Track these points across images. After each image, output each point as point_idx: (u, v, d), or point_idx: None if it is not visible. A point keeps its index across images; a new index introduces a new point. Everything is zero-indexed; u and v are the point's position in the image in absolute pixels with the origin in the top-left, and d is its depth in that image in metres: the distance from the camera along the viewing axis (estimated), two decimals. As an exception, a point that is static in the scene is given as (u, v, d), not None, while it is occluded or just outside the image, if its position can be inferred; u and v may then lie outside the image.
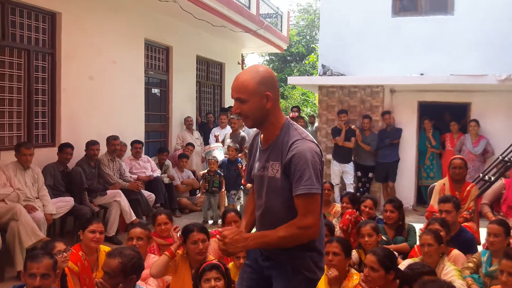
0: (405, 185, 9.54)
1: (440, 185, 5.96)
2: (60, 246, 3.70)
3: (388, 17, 9.89)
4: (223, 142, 9.55)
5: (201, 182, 8.35)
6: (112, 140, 7.48)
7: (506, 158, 7.68)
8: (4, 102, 6.41)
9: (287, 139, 2.43)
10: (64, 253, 3.69)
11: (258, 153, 2.61)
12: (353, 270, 3.91)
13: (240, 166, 8.31)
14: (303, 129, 2.52)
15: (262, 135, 2.59)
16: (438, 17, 9.61)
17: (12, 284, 4.69)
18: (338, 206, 6.57)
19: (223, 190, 8.17)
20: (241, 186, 8.38)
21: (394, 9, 9.93)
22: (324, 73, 9.96)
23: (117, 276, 2.94)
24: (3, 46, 6.33)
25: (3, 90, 6.38)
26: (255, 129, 2.63)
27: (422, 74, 9.19)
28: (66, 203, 6.31)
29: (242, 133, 9.27)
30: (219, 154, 8.97)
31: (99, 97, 7.89)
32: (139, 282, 3.30)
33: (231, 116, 9.42)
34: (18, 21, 6.56)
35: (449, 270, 3.85)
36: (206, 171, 8.28)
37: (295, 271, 2.48)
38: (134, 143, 8.20)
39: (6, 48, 6.39)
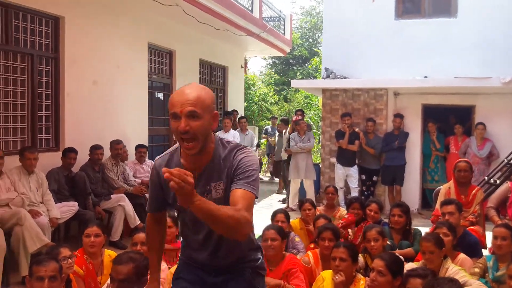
0: (410, 188, 9.50)
1: (446, 189, 5.94)
2: (65, 252, 3.69)
3: (391, 20, 9.86)
4: None
5: None
6: (115, 145, 7.46)
7: (511, 161, 7.65)
8: (8, 106, 6.41)
9: (226, 152, 2.32)
10: (69, 259, 3.68)
11: None
12: (359, 275, 3.88)
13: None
14: (232, 140, 2.47)
15: (184, 160, 2.34)
16: (442, 20, 9.58)
17: (16, 289, 4.70)
18: (342, 210, 6.55)
19: None
20: None
21: (397, 12, 9.91)
22: (328, 76, 9.95)
23: (132, 281, 2.94)
24: (6, 50, 6.34)
25: (7, 95, 6.39)
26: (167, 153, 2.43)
27: (425, 77, 9.16)
28: (70, 207, 6.30)
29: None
30: None
31: (103, 102, 7.89)
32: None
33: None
34: (22, 25, 6.57)
35: (455, 271, 3.79)
36: None
37: (254, 273, 2.48)
38: (139, 147, 8.18)
39: (9, 52, 6.40)
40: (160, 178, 2.39)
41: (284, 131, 10.90)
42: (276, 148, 11.60)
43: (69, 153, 6.68)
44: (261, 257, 2.56)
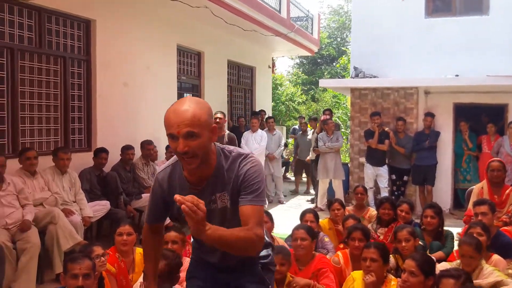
0: (442, 188, 9.34)
1: (478, 189, 5.84)
2: (98, 250, 3.76)
3: (421, 18, 9.73)
4: None
5: None
6: (146, 145, 7.55)
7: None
8: (41, 108, 6.56)
9: (230, 163, 2.29)
10: (102, 257, 3.74)
11: (189, 193, 2.16)
12: (390, 276, 3.84)
13: None
14: (234, 147, 2.41)
15: (187, 173, 2.30)
16: (473, 18, 9.40)
17: (51, 286, 4.81)
18: (372, 210, 6.49)
19: None
20: None
21: (427, 10, 9.77)
22: (356, 75, 9.87)
23: (164, 277, 2.98)
24: (40, 53, 6.49)
25: (40, 97, 6.54)
26: (165, 166, 2.40)
27: (457, 76, 9.01)
28: (102, 206, 6.41)
29: (230, 134, 8.59)
30: None
31: (133, 103, 8.00)
32: (176, 286, 3.32)
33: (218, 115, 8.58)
34: (54, 28, 6.71)
35: (489, 271, 3.74)
36: None
37: (264, 269, 2.52)
38: (169, 147, 8.27)
39: (43, 55, 6.54)
40: (163, 192, 2.40)
41: (312, 130, 10.85)
42: (299, 147, 11.52)
43: (101, 153, 6.80)
44: (271, 253, 2.58)
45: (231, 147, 2.36)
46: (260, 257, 2.51)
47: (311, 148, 10.29)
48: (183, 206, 1.86)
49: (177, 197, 1.87)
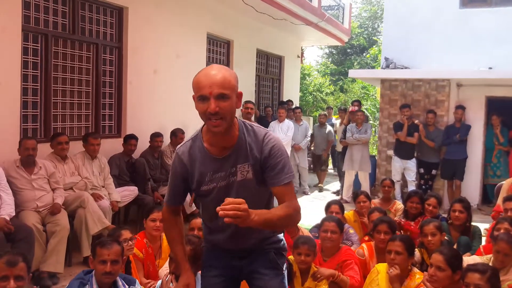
0: (470, 183, 9.19)
1: (509, 184, 5.75)
2: (126, 234, 3.83)
3: (456, 9, 9.54)
4: None
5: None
6: (180, 134, 7.58)
7: None
8: (73, 94, 6.67)
9: (254, 136, 2.35)
10: (129, 241, 3.81)
11: (210, 164, 2.36)
12: (415, 269, 3.82)
13: None
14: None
15: (208, 145, 2.36)
16: (509, 9, 9.16)
17: (78, 268, 4.91)
18: (398, 204, 6.44)
19: None
20: None
21: (462, 0, 9.56)
22: (387, 66, 9.75)
23: (190, 262, 3.02)
24: (73, 39, 6.58)
25: (72, 83, 6.64)
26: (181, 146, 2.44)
27: (490, 68, 8.81)
28: (131, 192, 6.51)
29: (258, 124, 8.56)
30: None
31: (163, 90, 8.07)
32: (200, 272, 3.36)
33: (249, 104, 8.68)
34: (88, 15, 6.80)
35: None
36: None
37: (277, 254, 2.58)
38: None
39: (76, 41, 6.64)
40: (184, 166, 2.42)
41: (339, 121, 10.74)
42: (314, 141, 11.38)
43: (130, 140, 6.89)
44: (283, 238, 2.63)
45: (251, 122, 2.43)
46: (273, 242, 2.57)
47: (339, 139, 10.22)
48: (225, 219, 1.94)
49: (219, 209, 1.94)
